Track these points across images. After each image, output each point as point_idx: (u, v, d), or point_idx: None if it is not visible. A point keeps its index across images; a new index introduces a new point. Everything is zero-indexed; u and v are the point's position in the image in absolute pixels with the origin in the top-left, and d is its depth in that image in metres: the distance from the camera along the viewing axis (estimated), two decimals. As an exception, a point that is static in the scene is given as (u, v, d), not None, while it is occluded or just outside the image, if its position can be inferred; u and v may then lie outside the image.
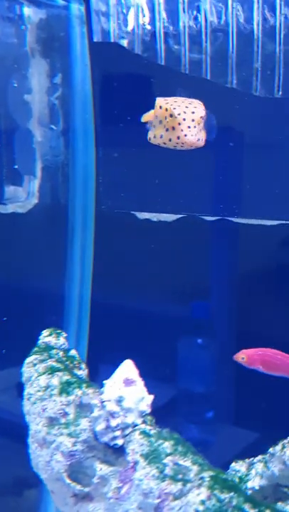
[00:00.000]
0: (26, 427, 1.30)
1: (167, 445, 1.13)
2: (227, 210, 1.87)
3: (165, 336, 2.02)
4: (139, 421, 1.19)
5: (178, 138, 1.22)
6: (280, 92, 1.64)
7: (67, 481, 1.20)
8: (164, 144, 1.26)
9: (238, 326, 1.99)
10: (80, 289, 2.08)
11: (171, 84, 1.82)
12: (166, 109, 1.23)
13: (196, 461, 1.10)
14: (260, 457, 1.24)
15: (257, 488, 1.20)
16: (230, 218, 1.87)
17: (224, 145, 1.73)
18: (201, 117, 1.22)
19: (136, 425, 1.19)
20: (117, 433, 1.17)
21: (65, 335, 1.47)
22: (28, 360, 1.37)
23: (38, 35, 2.00)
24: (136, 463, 1.13)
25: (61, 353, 1.40)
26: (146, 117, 1.33)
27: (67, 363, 1.38)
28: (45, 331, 1.46)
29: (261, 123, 1.77)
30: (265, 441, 1.23)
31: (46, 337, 1.44)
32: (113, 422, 1.17)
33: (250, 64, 1.65)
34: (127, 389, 1.19)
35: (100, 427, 1.19)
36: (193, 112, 1.22)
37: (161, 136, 1.25)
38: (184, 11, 1.69)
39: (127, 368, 1.22)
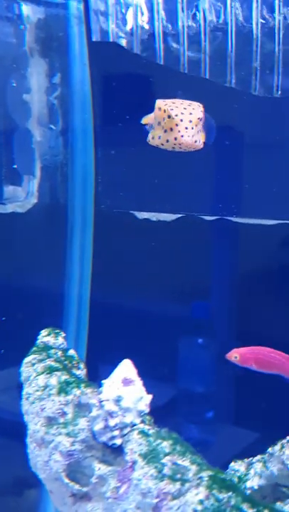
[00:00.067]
0: (26, 427, 1.30)
1: (166, 445, 1.13)
2: (226, 209, 1.87)
3: (165, 335, 2.02)
4: (137, 420, 1.19)
5: (175, 139, 1.22)
6: (279, 92, 1.64)
7: (66, 480, 1.20)
8: (162, 145, 1.26)
9: (237, 325, 1.99)
10: (79, 288, 2.08)
11: (170, 83, 1.83)
12: (165, 111, 1.23)
13: (195, 461, 1.10)
14: (259, 457, 1.24)
15: (256, 487, 1.20)
16: (229, 218, 1.87)
17: (223, 144, 1.73)
18: (198, 119, 1.22)
19: (134, 425, 1.18)
20: (116, 433, 1.17)
21: (63, 334, 1.47)
22: (27, 359, 1.37)
23: (37, 34, 2.00)
24: (134, 462, 1.13)
25: (60, 353, 1.40)
26: (146, 119, 1.34)
27: (66, 362, 1.38)
28: (43, 330, 1.46)
29: (260, 122, 1.77)
30: (265, 441, 1.23)
31: (45, 337, 1.44)
32: (111, 422, 1.17)
33: (249, 63, 1.65)
34: (126, 388, 1.19)
35: (99, 426, 1.18)
36: (191, 114, 1.22)
37: (159, 138, 1.26)
38: (182, 11, 1.69)
39: (126, 368, 1.22)
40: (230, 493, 1.01)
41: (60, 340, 1.45)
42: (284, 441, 1.19)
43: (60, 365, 1.33)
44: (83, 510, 1.18)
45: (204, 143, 1.28)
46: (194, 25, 1.69)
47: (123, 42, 1.81)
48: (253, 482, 1.21)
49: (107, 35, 1.83)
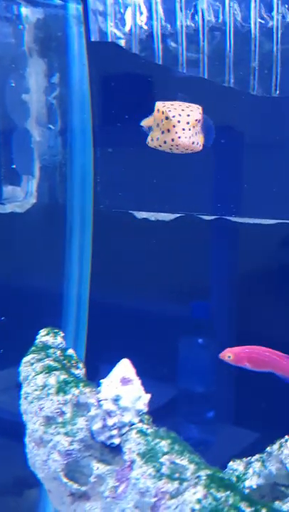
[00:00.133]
0: (25, 427, 1.30)
1: (164, 444, 1.13)
2: (225, 209, 1.87)
3: (164, 335, 2.02)
4: (136, 420, 1.19)
5: (172, 140, 1.23)
6: (278, 91, 1.64)
7: (64, 480, 1.20)
8: (160, 146, 1.27)
9: (237, 325, 1.99)
10: (79, 288, 2.09)
11: (168, 83, 1.83)
12: (163, 112, 1.24)
13: (193, 460, 1.10)
14: (257, 456, 1.24)
15: (254, 487, 1.20)
16: (228, 217, 1.87)
17: (222, 144, 1.73)
18: (196, 120, 1.23)
19: (133, 424, 1.19)
20: (114, 432, 1.18)
21: (62, 334, 1.47)
22: (26, 359, 1.37)
23: (36, 34, 2.00)
24: (133, 462, 1.13)
25: (58, 352, 1.40)
26: (145, 122, 1.35)
27: (65, 362, 1.38)
28: (42, 330, 1.46)
29: (259, 122, 1.77)
30: (265, 441, 1.23)
31: (44, 336, 1.45)
32: (110, 421, 1.17)
33: (247, 63, 1.65)
34: (124, 388, 1.19)
35: (97, 426, 1.19)
36: (188, 115, 1.23)
37: (157, 139, 1.27)
38: (181, 10, 1.69)
39: (124, 367, 1.22)
40: (228, 492, 1.01)
41: (59, 339, 1.45)
42: (282, 440, 1.19)
43: (59, 365, 1.33)
44: (82, 509, 1.19)
45: (203, 145, 1.29)
46: (193, 25, 1.69)
47: (122, 42, 1.81)
48: (252, 481, 1.21)
49: (106, 35, 1.83)
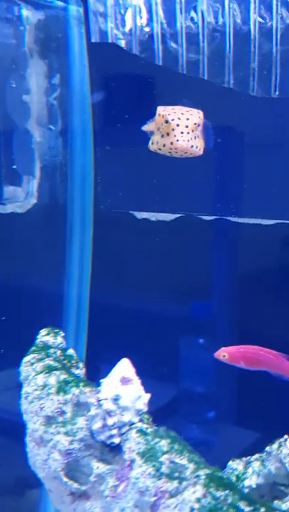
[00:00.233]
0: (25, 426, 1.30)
1: (164, 443, 1.13)
2: (225, 209, 1.87)
3: (165, 335, 2.03)
4: (135, 419, 1.20)
5: (171, 143, 1.24)
6: (277, 92, 1.65)
7: (65, 479, 1.20)
8: (160, 149, 1.29)
9: (237, 325, 1.99)
10: (79, 288, 2.09)
11: (168, 84, 1.83)
12: (163, 116, 1.26)
13: (193, 459, 1.11)
14: (257, 456, 1.24)
15: (254, 486, 1.20)
16: (228, 218, 1.87)
17: (222, 145, 1.74)
18: (195, 124, 1.24)
19: (132, 424, 1.19)
20: (114, 431, 1.18)
21: (62, 334, 1.47)
22: (26, 359, 1.37)
23: (37, 35, 2.00)
24: (132, 461, 1.13)
25: (59, 352, 1.40)
26: (147, 127, 1.36)
27: (65, 362, 1.38)
28: (42, 330, 1.46)
29: (258, 123, 1.78)
30: (266, 441, 1.23)
31: (44, 336, 1.45)
32: (110, 421, 1.18)
33: (247, 64, 1.65)
34: (124, 387, 1.19)
35: (97, 425, 1.19)
36: (187, 119, 1.25)
37: (157, 142, 1.29)
38: (181, 12, 1.70)
39: (124, 367, 1.23)
40: (227, 492, 1.01)
41: (59, 339, 1.45)
42: (281, 439, 1.20)
43: (59, 365, 1.33)
44: (82, 508, 1.19)
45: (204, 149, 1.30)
46: (193, 26, 1.69)
47: (122, 43, 1.82)
48: (251, 481, 1.21)
49: (106, 36, 1.83)
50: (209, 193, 1.91)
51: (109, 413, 1.18)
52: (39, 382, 1.29)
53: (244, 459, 1.26)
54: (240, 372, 1.53)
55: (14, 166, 2.04)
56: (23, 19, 1.98)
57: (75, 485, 1.20)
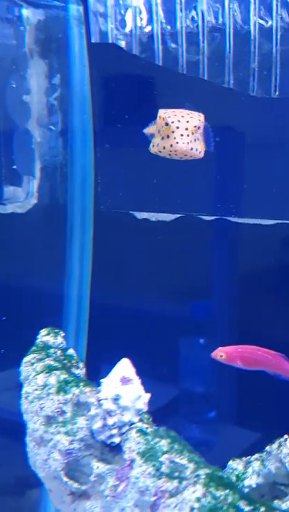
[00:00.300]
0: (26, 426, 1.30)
1: (164, 443, 1.13)
2: (225, 209, 1.87)
3: (165, 335, 2.03)
4: (135, 419, 1.20)
5: (171, 146, 1.25)
6: (277, 92, 1.65)
7: (65, 479, 1.20)
8: (160, 152, 1.30)
9: (238, 325, 1.99)
10: (79, 288, 2.09)
11: (168, 84, 1.83)
12: (163, 119, 1.27)
13: (193, 459, 1.11)
14: (256, 455, 1.24)
15: (254, 486, 1.20)
16: (228, 218, 1.88)
17: (222, 145, 1.74)
18: (194, 126, 1.25)
19: (133, 423, 1.19)
20: (114, 431, 1.18)
21: (63, 334, 1.47)
22: (26, 359, 1.37)
23: (37, 36, 2.01)
24: (132, 461, 1.13)
25: (59, 352, 1.40)
26: (148, 130, 1.37)
27: (65, 361, 1.38)
28: (43, 330, 1.46)
29: (258, 123, 1.78)
30: (266, 441, 1.23)
31: (44, 336, 1.45)
32: (110, 421, 1.18)
33: (247, 64, 1.66)
34: (124, 387, 1.19)
35: (97, 425, 1.19)
36: (187, 122, 1.25)
37: (157, 145, 1.30)
38: (181, 12, 1.70)
39: (124, 367, 1.23)
40: (227, 491, 1.01)
41: (60, 339, 1.45)
42: (281, 439, 1.20)
43: (60, 365, 1.34)
44: (82, 508, 1.19)
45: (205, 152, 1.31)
46: (193, 26, 1.69)
47: (122, 43, 1.82)
48: (251, 480, 1.21)
49: (106, 36, 1.83)
50: (209, 193, 1.91)
51: (109, 413, 1.18)
52: (39, 382, 1.29)
53: (244, 458, 1.26)
54: (240, 372, 1.53)
55: (14, 166, 2.04)
56: (24, 19, 1.99)
57: (75, 485, 1.20)
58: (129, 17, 1.79)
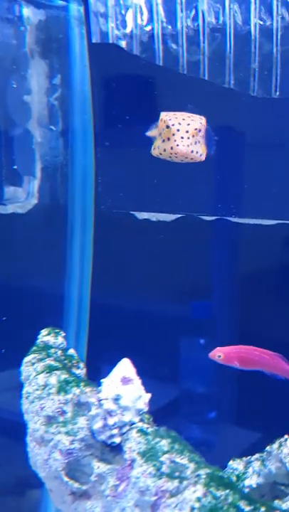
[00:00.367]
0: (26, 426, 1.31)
1: (164, 443, 1.14)
2: (225, 209, 1.87)
3: (165, 336, 2.03)
4: (136, 419, 1.20)
5: (171, 148, 1.26)
6: (278, 92, 1.65)
7: (65, 479, 1.20)
8: (161, 154, 1.31)
9: (238, 325, 1.99)
10: (80, 289, 2.09)
11: (169, 84, 1.83)
12: (164, 121, 1.27)
13: (193, 459, 1.11)
14: (257, 455, 1.24)
15: (254, 486, 1.21)
16: (228, 218, 1.88)
17: (222, 145, 1.74)
18: (195, 129, 1.25)
19: (133, 423, 1.19)
20: (115, 431, 1.18)
21: (63, 334, 1.47)
22: (27, 359, 1.37)
23: (37, 36, 2.01)
24: (133, 461, 1.13)
25: (59, 352, 1.40)
26: (151, 132, 1.37)
27: (66, 361, 1.38)
28: (43, 330, 1.46)
29: (259, 123, 1.78)
30: (266, 441, 1.23)
31: (45, 336, 1.45)
32: (110, 421, 1.18)
33: (247, 64, 1.66)
34: (125, 387, 1.20)
35: (98, 425, 1.19)
36: (188, 124, 1.26)
37: (158, 147, 1.30)
38: (181, 12, 1.70)
39: (125, 367, 1.23)
40: (227, 491, 1.01)
41: (60, 339, 1.45)
42: (282, 439, 1.20)
43: (60, 365, 1.34)
44: (82, 508, 1.19)
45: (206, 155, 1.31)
46: (193, 26, 1.69)
47: (123, 43, 1.82)
48: (252, 480, 1.21)
49: (107, 36, 1.83)
50: (210, 193, 1.91)
51: (109, 413, 1.18)
52: (40, 382, 1.29)
53: (244, 458, 1.26)
54: (241, 372, 1.53)
55: (15, 167, 2.04)
56: (24, 19, 1.99)
57: (76, 484, 1.20)
58: (129, 17, 1.79)
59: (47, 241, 2.12)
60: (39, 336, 1.46)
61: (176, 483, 1.07)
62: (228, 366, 1.53)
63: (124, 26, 1.80)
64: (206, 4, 1.67)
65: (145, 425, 1.19)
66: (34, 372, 1.32)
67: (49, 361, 1.34)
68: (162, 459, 1.11)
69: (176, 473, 1.08)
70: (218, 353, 1.52)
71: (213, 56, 1.69)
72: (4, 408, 2.11)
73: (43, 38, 2.01)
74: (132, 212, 2.01)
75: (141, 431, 1.17)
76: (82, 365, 1.41)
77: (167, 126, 1.26)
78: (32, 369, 1.34)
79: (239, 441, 1.94)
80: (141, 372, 1.23)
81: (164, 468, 1.09)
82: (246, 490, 1.20)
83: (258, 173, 1.80)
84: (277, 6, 1.59)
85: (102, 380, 1.22)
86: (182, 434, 1.18)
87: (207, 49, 1.69)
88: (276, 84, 1.64)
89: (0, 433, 2.15)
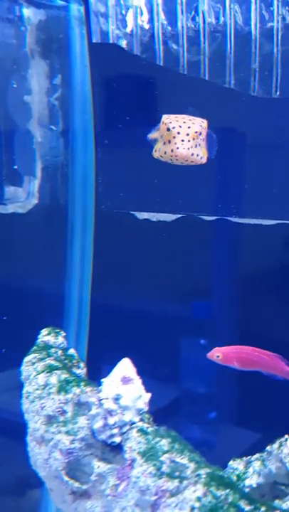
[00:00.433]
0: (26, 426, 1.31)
1: (164, 443, 1.13)
2: (225, 209, 1.88)
3: (166, 336, 2.03)
4: (136, 419, 1.20)
5: (172, 151, 1.27)
6: (278, 93, 1.65)
7: (66, 478, 1.20)
8: (161, 157, 1.31)
9: (238, 325, 1.99)
10: (80, 289, 2.09)
11: (169, 85, 1.84)
12: (165, 124, 1.28)
13: (193, 459, 1.11)
14: (257, 455, 1.24)
15: (254, 486, 1.21)
16: (228, 218, 1.88)
17: (223, 145, 1.74)
18: (196, 132, 1.26)
19: (133, 423, 1.19)
20: (115, 431, 1.18)
21: (63, 334, 1.47)
22: (27, 358, 1.37)
23: (38, 36, 2.01)
24: (133, 460, 1.13)
25: (60, 352, 1.40)
26: (152, 135, 1.38)
27: (66, 361, 1.38)
28: (44, 330, 1.47)
29: (259, 123, 1.78)
30: (266, 441, 1.23)
31: (45, 336, 1.45)
32: (111, 420, 1.18)
33: (248, 64, 1.66)
34: (125, 387, 1.20)
35: (98, 424, 1.19)
36: (189, 127, 1.26)
37: (159, 150, 1.31)
38: (182, 12, 1.70)
39: (125, 367, 1.23)
40: (227, 491, 1.01)
41: (60, 339, 1.45)
42: (282, 439, 1.20)
43: (60, 364, 1.34)
44: (83, 507, 1.19)
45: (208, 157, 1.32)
46: (194, 26, 1.69)
47: (123, 43, 1.82)
48: (252, 480, 1.21)
49: (108, 36, 1.83)
50: (210, 193, 1.91)
51: (110, 412, 1.18)
52: (40, 382, 1.29)
53: (245, 458, 1.26)
54: (241, 372, 1.53)
55: (15, 167, 2.04)
56: (25, 19, 1.99)
57: (76, 484, 1.20)
58: (130, 17, 1.79)
59: (47, 241, 2.12)
60: (39, 336, 1.46)
61: (176, 482, 1.06)
62: (228, 366, 1.53)
63: (125, 26, 1.80)
64: (206, 4, 1.67)
65: (145, 425, 1.19)
66: (34, 372, 1.32)
67: (49, 361, 1.34)
68: (162, 458, 1.11)
69: (177, 473, 1.08)
70: (217, 353, 1.52)
71: (213, 56, 1.69)
72: (4, 408, 2.11)
73: (44, 38, 2.01)
74: (132, 212, 2.01)
75: (141, 430, 1.17)
76: (82, 364, 1.41)
77: (168, 129, 1.26)
78: (32, 369, 1.34)
79: (239, 442, 1.95)
80: (141, 372, 1.23)
81: (164, 468, 1.09)
82: (246, 490, 1.20)
83: (258, 173, 1.81)
84: (277, 5, 1.60)
85: (102, 380, 1.22)
86: (182, 434, 1.18)
87: (207, 49, 1.69)
88: (276, 84, 1.64)
89: (0, 433, 2.15)
